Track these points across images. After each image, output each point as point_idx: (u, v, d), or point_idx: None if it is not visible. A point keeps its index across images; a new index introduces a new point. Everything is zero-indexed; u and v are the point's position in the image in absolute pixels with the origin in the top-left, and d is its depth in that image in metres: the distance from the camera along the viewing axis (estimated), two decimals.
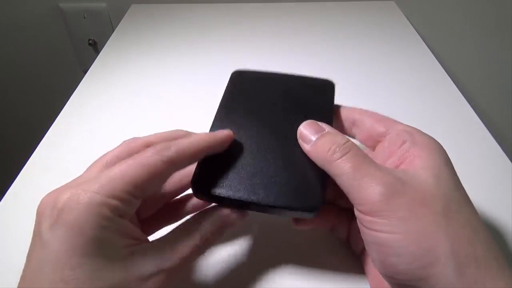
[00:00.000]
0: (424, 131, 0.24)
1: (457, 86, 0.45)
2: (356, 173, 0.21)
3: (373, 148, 0.26)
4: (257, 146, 0.25)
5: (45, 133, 0.39)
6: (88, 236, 0.18)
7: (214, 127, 0.26)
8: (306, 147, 0.24)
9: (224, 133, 0.24)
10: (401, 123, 0.25)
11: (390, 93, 0.45)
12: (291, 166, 0.24)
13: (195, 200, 0.26)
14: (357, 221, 0.21)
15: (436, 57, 0.51)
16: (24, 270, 0.19)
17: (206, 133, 0.24)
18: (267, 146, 0.25)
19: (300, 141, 0.24)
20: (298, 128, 0.24)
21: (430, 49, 0.53)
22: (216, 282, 0.26)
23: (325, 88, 0.29)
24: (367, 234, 0.21)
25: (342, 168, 0.21)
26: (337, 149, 0.22)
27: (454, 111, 0.42)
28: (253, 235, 0.29)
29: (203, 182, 0.23)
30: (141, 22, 0.62)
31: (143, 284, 0.19)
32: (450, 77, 0.47)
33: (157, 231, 0.26)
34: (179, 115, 0.42)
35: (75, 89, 0.46)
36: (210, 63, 0.51)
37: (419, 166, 0.21)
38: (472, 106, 0.42)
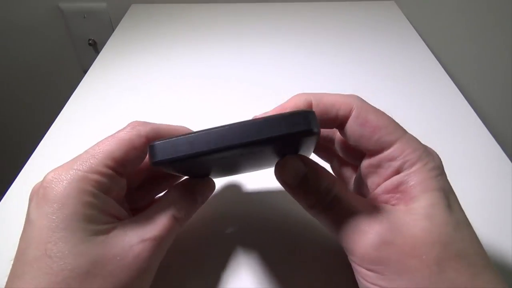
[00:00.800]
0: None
1: (457, 86, 0.45)
2: (342, 226, 0.20)
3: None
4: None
5: (45, 133, 0.39)
6: (69, 210, 0.19)
7: None
8: (287, 188, 0.22)
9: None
10: (396, 138, 0.20)
11: (390, 93, 0.45)
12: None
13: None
14: (353, 268, 0.21)
15: (436, 57, 0.51)
16: (15, 254, 0.19)
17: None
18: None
19: (281, 183, 0.22)
20: (279, 168, 0.21)
21: (430, 49, 0.53)
22: (214, 282, 0.26)
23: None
24: (360, 283, 0.20)
25: (327, 218, 0.21)
26: (319, 198, 0.20)
27: (454, 111, 0.42)
28: (251, 238, 0.29)
29: (161, 148, 0.19)
30: (141, 22, 0.62)
31: (126, 253, 0.19)
32: (450, 77, 0.47)
33: (148, 201, 0.27)
34: (179, 115, 0.42)
35: (75, 89, 0.46)
36: (210, 63, 0.51)
37: (411, 206, 0.19)
38: (472, 106, 0.42)
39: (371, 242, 0.19)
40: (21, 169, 0.35)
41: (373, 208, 0.20)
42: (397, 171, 0.20)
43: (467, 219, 0.20)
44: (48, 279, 0.18)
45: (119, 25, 0.61)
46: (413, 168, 0.20)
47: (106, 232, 0.20)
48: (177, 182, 0.26)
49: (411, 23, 0.60)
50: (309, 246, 0.28)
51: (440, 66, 0.49)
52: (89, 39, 0.71)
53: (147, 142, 0.22)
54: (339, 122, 0.21)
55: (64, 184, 0.19)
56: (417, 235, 0.18)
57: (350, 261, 0.20)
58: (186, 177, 0.25)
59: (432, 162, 0.20)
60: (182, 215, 0.23)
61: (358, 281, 0.20)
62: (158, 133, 0.23)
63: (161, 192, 0.27)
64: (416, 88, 0.46)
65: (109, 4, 0.68)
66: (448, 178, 0.21)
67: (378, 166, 0.21)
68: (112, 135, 0.22)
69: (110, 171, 0.21)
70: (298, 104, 0.22)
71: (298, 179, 0.21)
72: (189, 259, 0.27)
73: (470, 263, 0.18)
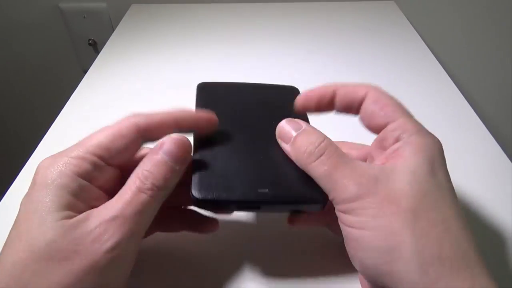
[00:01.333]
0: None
1: (457, 86, 0.45)
2: (331, 175, 0.21)
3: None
4: (244, 149, 0.24)
5: (45, 133, 0.39)
6: (44, 194, 0.20)
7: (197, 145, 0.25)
8: (286, 147, 0.23)
9: (203, 112, 0.25)
10: (402, 115, 0.23)
11: (390, 93, 0.45)
12: (284, 163, 0.24)
13: None
14: (337, 216, 0.22)
15: (436, 57, 0.51)
16: None
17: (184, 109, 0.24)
18: (254, 148, 0.25)
19: (279, 141, 0.24)
20: (277, 128, 0.24)
21: (430, 49, 0.53)
22: (213, 281, 0.26)
23: (292, 94, 0.28)
24: (343, 230, 0.21)
25: (317, 171, 0.21)
26: (313, 151, 0.22)
27: (454, 111, 0.42)
28: (249, 236, 0.29)
29: (203, 190, 0.22)
30: (141, 22, 0.62)
31: (84, 238, 0.19)
32: (450, 77, 0.47)
33: None
34: None
35: (75, 89, 0.46)
36: (210, 63, 0.51)
37: (399, 164, 0.21)
38: (472, 106, 0.42)
39: (355, 190, 0.20)
40: (21, 169, 0.35)
41: (363, 165, 0.21)
42: (397, 140, 0.22)
43: (453, 189, 0.21)
44: (11, 259, 0.19)
45: (119, 25, 0.61)
46: (411, 138, 0.22)
47: (72, 217, 0.19)
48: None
49: (411, 23, 0.60)
50: (305, 246, 0.28)
51: (440, 66, 0.49)
52: (89, 39, 0.71)
53: (137, 131, 0.22)
54: (358, 103, 0.25)
55: (49, 169, 0.20)
56: (398, 187, 0.20)
57: (337, 212, 0.21)
58: None
59: (431, 138, 0.22)
60: (148, 185, 0.20)
61: (340, 227, 0.21)
62: (149, 122, 0.23)
63: None
64: (416, 88, 0.46)
65: (109, 4, 0.68)
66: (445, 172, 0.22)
67: (383, 139, 0.23)
68: (106, 126, 0.23)
69: (94, 158, 0.21)
70: (324, 93, 0.26)
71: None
72: (188, 258, 0.27)
73: (444, 220, 0.19)
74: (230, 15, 0.63)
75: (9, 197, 0.32)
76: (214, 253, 0.28)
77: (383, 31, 0.58)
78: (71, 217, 0.19)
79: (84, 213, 0.20)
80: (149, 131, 0.23)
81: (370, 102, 0.24)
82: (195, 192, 0.22)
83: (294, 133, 0.23)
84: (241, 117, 0.27)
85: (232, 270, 0.27)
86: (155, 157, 0.21)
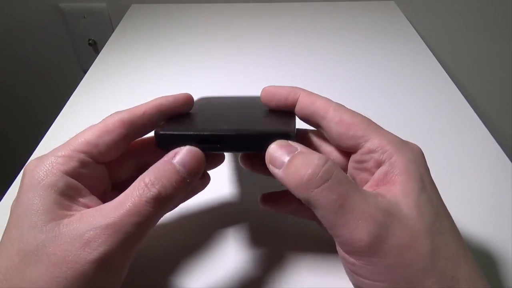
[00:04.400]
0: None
1: (457, 86, 0.45)
2: (342, 208, 0.18)
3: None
4: (217, 113, 0.26)
5: (45, 133, 0.39)
6: (31, 195, 0.19)
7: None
8: (277, 172, 0.20)
9: (179, 94, 0.25)
10: (373, 133, 0.21)
11: (390, 93, 0.45)
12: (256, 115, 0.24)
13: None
14: (339, 257, 0.20)
15: (436, 57, 0.51)
16: None
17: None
18: (226, 113, 0.26)
19: (270, 167, 0.20)
20: (266, 151, 0.21)
21: (430, 49, 0.53)
22: (211, 282, 0.26)
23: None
24: (349, 275, 0.20)
25: (323, 200, 0.18)
26: (316, 173, 0.18)
27: (454, 111, 0.42)
28: (246, 232, 0.29)
29: (165, 128, 0.22)
30: (141, 22, 0.62)
31: (74, 242, 0.18)
32: (450, 77, 0.47)
33: None
34: None
35: (75, 89, 0.46)
36: (210, 63, 0.51)
37: (398, 193, 0.19)
38: (472, 106, 0.42)
39: (371, 231, 0.18)
40: (21, 169, 0.35)
41: (370, 194, 0.19)
42: (379, 163, 0.21)
43: (446, 209, 0.20)
44: (5, 263, 0.18)
45: (119, 25, 0.61)
46: (393, 158, 0.20)
47: (62, 217, 0.19)
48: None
49: (411, 23, 0.60)
50: (301, 244, 0.28)
51: (440, 66, 0.49)
52: (89, 39, 0.71)
53: (123, 125, 0.22)
54: (316, 121, 0.23)
55: (35, 170, 0.20)
56: (411, 225, 0.18)
57: (341, 255, 0.20)
58: None
59: (410, 151, 0.21)
60: (154, 192, 0.19)
61: (348, 275, 0.20)
62: (132, 115, 0.22)
63: None
64: (416, 88, 0.46)
65: (109, 4, 0.68)
66: (448, 178, 0.22)
67: (361, 161, 0.22)
68: (92, 125, 0.22)
69: (81, 155, 0.21)
70: (286, 96, 0.24)
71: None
72: (185, 257, 0.27)
73: (453, 255, 0.18)
74: (230, 15, 0.63)
75: (9, 197, 0.32)
76: (212, 251, 0.28)
77: (383, 31, 0.58)
78: (61, 217, 0.19)
79: (77, 214, 0.19)
80: (134, 124, 0.22)
81: (333, 124, 0.22)
82: (157, 129, 0.22)
83: (287, 157, 0.20)
84: (222, 110, 0.27)
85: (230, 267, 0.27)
86: (167, 164, 0.20)
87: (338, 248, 0.20)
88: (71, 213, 0.19)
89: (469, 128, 0.39)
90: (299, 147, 0.20)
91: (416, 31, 0.58)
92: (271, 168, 0.20)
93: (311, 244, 0.28)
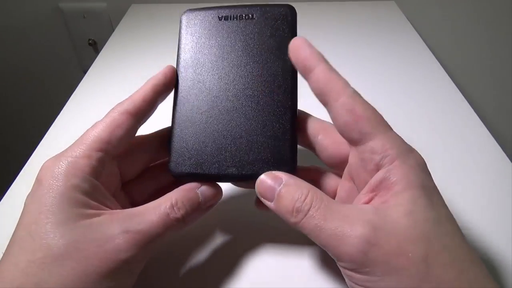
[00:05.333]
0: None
1: (457, 86, 0.45)
2: (324, 230, 0.19)
3: (339, 163, 0.24)
4: (220, 106, 0.25)
5: (45, 133, 0.39)
6: (56, 193, 0.20)
7: (180, 88, 0.26)
8: (270, 205, 0.22)
9: (164, 69, 0.25)
10: (377, 131, 0.21)
11: (389, 93, 0.45)
12: (258, 123, 0.24)
13: None
14: (341, 271, 0.21)
15: (436, 57, 0.51)
16: None
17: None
18: (231, 104, 0.25)
19: (262, 199, 0.22)
20: (256, 183, 0.23)
21: (430, 49, 0.53)
22: (209, 281, 0.26)
23: (285, 16, 0.26)
24: (349, 285, 0.20)
25: (308, 228, 0.20)
26: (299, 208, 0.20)
27: (454, 111, 0.42)
28: (244, 231, 0.29)
29: (178, 165, 0.24)
30: (141, 22, 0.62)
31: (106, 242, 0.19)
32: (450, 77, 0.47)
33: (145, 197, 0.27)
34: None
35: (75, 89, 0.46)
36: None
37: (392, 202, 0.19)
38: (472, 106, 0.42)
39: (356, 245, 0.18)
40: (21, 169, 0.35)
41: (354, 210, 0.20)
42: (378, 167, 0.20)
43: (450, 214, 0.20)
44: (25, 258, 0.18)
45: (119, 25, 0.61)
46: (393, 164, 0.20)
47: (91, 217, 0.20)
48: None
49: (411, 23, 0.60)
50: (299, 243, 0.28)
51: (440, 66, 0.49)
52: (89, 39, 0.71)
53: (130, 117, 0.23)
54: (328, 101, 0.22)
55: (55, 169, 0.20)
56: (400, 233, 0.18)
57: (339, 267, 0.20)
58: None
59: (413, 159, 0.20)
60: (179, 215, 0.21)
61: (347, 283, 0.21)
62: (135, 103, 0.24)
63: (159, 186, 0.27)
64: (416, 88, 0.46)
65: (109, 4, 0.68)
66: (448, 178, 0.21)
67: (361, 159, 0.21)
68: (97, 121, 0.23)
69: (99, 154, 0.22)
70: (309, 66, 0.23)
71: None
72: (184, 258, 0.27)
73: (456, 258, 0.18)
74: None
75: (9, 197, 0.32)
76: (211, 249, 0.28)
77: (383, 31, 0.58)
78: (90, 217, 0.20)
79: (106, 215, 0.20)
80: (140, 113, 0.24)
81: (344, 110, 0.21)
82: (172, 167, 0.24)
83: (277, 188, 0.21)
84: (223, 64, 0.26)
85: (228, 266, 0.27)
86: (193, 194, 0.22)
87: (337, 263, 0.20)
88: (99, 212, 0.20)
89: (469, 128, 0.39)
90: (284, 177, 0.22)
91: (416, 31, 0.58)
92: (263, 201, 0.22)
93: (311, 245, 0.28)
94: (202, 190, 0.23)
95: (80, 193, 0.20)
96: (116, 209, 0.22)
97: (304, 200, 0.20)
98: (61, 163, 0.21)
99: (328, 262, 0.27)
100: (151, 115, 0.25)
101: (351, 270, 0.19)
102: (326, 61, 0.24)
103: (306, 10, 0.65)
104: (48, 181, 0.20)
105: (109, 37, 0.58)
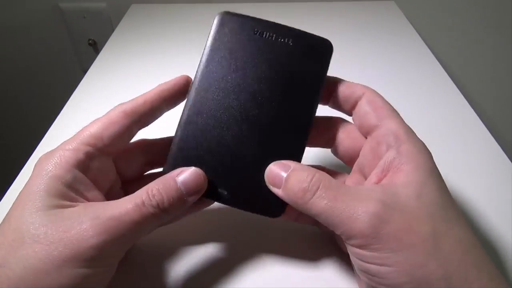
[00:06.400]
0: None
1: (457, 86, 0.45)
2: (334, 209, 0.20)
3: (353, 156, 0.25)
4: (232, 121, 0.24)
5: (45, 133, 0.39)
6: (38, 182, 0.20)
7: (194, 91, 0.25)
8: (278, 192, 0.22)
9: (177, 77, 0.25)
10: (395, 119, 0.23)
11: (389, 93, 0.44)
12: (265, 154, 0.24)
13: None
14: (348, 251, 0.21)
15: (436, 57, 0.51)
16: None
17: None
18: (243, 123, 0.24)
19: (270, 187, 0.23)
20: (265, 173, 0.23)
21: (430, 49, 0.53)
22: (209, 281, 0.26)
23: (321, 50, 0.26)
24: (357, 264, 0.20)
25: (317, 207, 0.20)
26: (307, 188, 0.21)
27: (454, 111, 0.42)
28: (241, 232, 0.29)
29: (171, 168, 0.23)
30: (141, 22, 0.62)
31: (73, 227, 0.19)
32: (450, 77, 0.47)
33: None
34: (178, 115, 0.41)
35: (75, 89, 0.46)
36: None
37: (401, 182, 0.20)
38: (472, 106, 0.42)
39: (368, 222, 0.19)
40: (21, 169, 0.35)
41: (364, 190, 0.21)
42: (389, 146, 0.22)
43: (453, 199, 0.21)
44: (0, 242, 0.19)
45: (119, 25, 0.61)
46: (404, 146, 0.21)
47: (66, 206, 0.20)
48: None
49: (411, 23, 0.60)
50: (298, 243, 0.28)
51: (440, 66, 0.49)
52: (89, 39, 0.71)
53: (126, 116, 0.23)
54: (353, 101, 0.25)
55: (45, 161, 0.21)
56: (410, 212, 0.19)
57: (346, 245, 0.21)
58: None
59: (422, 146, 0.22)
60: (154, 202, 0.20)
61: (354, 263, 0.21)
62: (134, 105, 0.24)
63: None
64: (416, 88, 0.46)
65: (109, 4, 0.68)
66: (448, 178, 0.22)
67: (376, 143, 0.23)
68: (96, 119, 0.23)
69: (88, 148, 0.22)
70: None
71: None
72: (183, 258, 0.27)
73: (461, 240, 0.19)
74: None
75: (9, 197, 0.32)
76: (210, 249, 0.28)
77: (383, 31, 0.58)
78: (64, 207, 0.20)
79: (81, 205, 0.20)
80: (136, 114, 0.24)
81: (365, 102, 0.24)
82: (164, 169, 0.23)
83: (284, 175, 0.22)
84: (247, 79, 0.25)
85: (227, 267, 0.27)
86: (171, 182, 0.21)
87: (345, 243, 0.21)
88: (75, 204, 0.20)
89: (469, 128, 0.39)
90: (292, 164, 0.22)
91: (416, 31, 0.58)
92: (271, 188, 0.23)
93: (311, 246, 0.28)
94: (181, 178, 0.22)
95: (61, 183, 0.20)
96: (96, 198, 0.22)
97: (311, 180, 0.21)
98: (52, 155, 0.21)
99: (327, 262, 0.27)
100: (153, 119, 0.25)
101: (361, 247, 0.19)
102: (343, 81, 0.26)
103: (306, 10, 0.65)
104: (36, 171, 0.21)
105: (109, 37, 0.58)
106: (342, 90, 0.25)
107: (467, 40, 0.72)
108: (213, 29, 0.27)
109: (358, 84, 0.25)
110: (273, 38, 0.26)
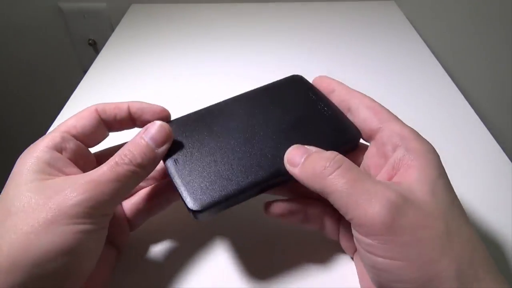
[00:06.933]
0: (421, 132, 0.23)
1: (457, 86, 0.45)
2: (352, 189, 0.19)
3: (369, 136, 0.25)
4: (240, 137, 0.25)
5: (45, 133, 0.39)
6: (23, 163, 0.22)
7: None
8: (294, 170, 0.22)
9: (156, 105, 0.27)
10: (397, 121, 0.23)
11: (390, 93, 0.45)
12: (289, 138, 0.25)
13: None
14: (354, 239, 0.21)
15: (436, 57, 0.51)
16: None
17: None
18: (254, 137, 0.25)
19: (287, 167, 0.23)
20: (285, 155, 0.23)
21: (430, 49, 0.53)
22: (209, 282, 0.26)
23: (297, 84, 0.29)
24: (365, 257, 0.20)
25: (335, 184, 0.20)
26: (328, 164, 0.20)
27: (454, 111, 0.42)
28: (244, 235, 0.29)
29: (196, 196, 0.23)
30: (141, 22, 0.62)
31: (52, 193, 0.20)
32: (450, 77, 0.47)
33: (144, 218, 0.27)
34: (178, 115, 0.41)
35: (75, 89, 0.46)
36: (210, 63, 0.51)
37: (414, 179, 0.20)
38: (472, 106, 0.42)
39: (386, 209, 0.18)
40: None
41: (382, 181, 0.21)
42: (396, 146, 0.22)
43: (457, 198, 0.21)
44: None
45: (119, 25, 0.61)
46: (412, 144, 0.21)
47: (47, 179, 0.21)
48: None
49: (411, 23, 0.60)
50: (300, 245, 0.28)
51: (440, 66, 0.49)
52: (89, 39, 0.71)
53: (96, 112, 0.26)
54: (349, 109, 0.26)
55: (26, 151, 0.23)
56: (425, 208, 0.19)
57: (356, 237, 0.20)
58: None
59: (427, 144, 0.22)
60: (126, 160, 0.22)
61: (363, 257, 0.20)
62: (105, 105, 0.26)
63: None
64: (416, 88, 0.46)
65: (109, 4, 0.68)
66: (448, 178, 0.22)
67: (381, 144, 0.23)
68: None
69: (63, 134, 0.24)
70: (327, 88, 0.28)
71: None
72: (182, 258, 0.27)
73: (470, 239, 0.19)
74: (230, 15, 0.63)
75: None
76: (209, 250, 0.28)
77: (383, 31, 0.58)
78: (44, 179, 0.21)
79: (61, 177, 0.22)
80: (105, 112, 0.26)
81: (364, 107, 0.25)
82: (191, 205, 0.22)
83: (303, 158, 0.22)
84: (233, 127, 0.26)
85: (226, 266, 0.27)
86: (137, 139, 0.23)
87: (354, 232, 0.20)
88: (57, 176, 0.22)
89: (469, 128, 0.39)
90: (314, 149, 0.23)
91: (416, 31, 0.58)
92: (288, 167, 0.23)
93: (312, 248, 0.28)
94: (146, 133, 0.23)
95: (40, 162, 0.22)
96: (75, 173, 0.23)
97: (334, 158, 0.21)
98: (32, 145, 0.23)
99: (325, 264, 0.27)
100: (126, 125, 0.27)
101: (373, 237, 0.19)
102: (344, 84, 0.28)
103: (306, 10, 0.65)
104: (19, 161, 0.23)
105: (109, 37, 0.58)
106: (340, 96, 0.27)
107: (467, 40, 0.72)
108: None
109: (353, 92, 0.27)
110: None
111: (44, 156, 0.22)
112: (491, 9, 0.68)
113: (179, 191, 0.23)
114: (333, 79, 0.28)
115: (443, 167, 0.21)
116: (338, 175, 0.20)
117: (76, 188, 0.20)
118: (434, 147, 0.22)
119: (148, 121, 0.25)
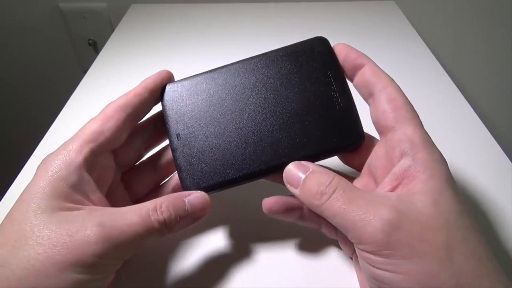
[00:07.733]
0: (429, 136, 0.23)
1: (457, 86, 0.45)
2: (348, 211, 0.20)
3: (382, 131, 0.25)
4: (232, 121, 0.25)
5: (45, 133, 0.39)
6: (42, 184, 0.20)
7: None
8: (295, 192, 0.23)
9: (158, 72, 0.26)
10: (412, 123, 0.22)
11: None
12: (298, 119, 0.24)
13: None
14: (358, 256, 0.21)
15: (436, 57, 0.51)
16: None
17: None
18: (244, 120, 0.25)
19: (288, 186, 0.23)
20: (284, 172, 0.23)
21: (430, 49, 0.53)
22: (209, 282, 0.26)
23: (316, 55, 0.27)
24: (366, 268, 0.20)
25: (332, 209, 0.20)
26: (324, 190, 0.21)
27: (454, 111, 0.42)
28: (245, 234, 0.29)
29: (194, 178, 0.23)
30: (141, 22, 0.62)
31: (78, 232, 0.19)
32: (450, 77, 0.47)
33: (145, 191, 0.27)
34: None
35: (75, 89, 0.46)
36: (210, 63, 0.51)
37: (416, 190, 0.20)
38: (472, 106, 0.42)
39: (380, 227, 0.19)
40: (21, 169, 0.35)
41: (378, 196, 0.20)
42: (404, 155, 0.21)
43: (468, 208, 0.20)
44: (2, 242, 0.19)
45: (119, 25, 0.61)
46: (420, 154, 0.21)
47: (70, 209, 0.20)
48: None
49: (411, 23, 0.60)
50: (300, 245, 0.28)
51: (440, 66, 0.49)
52: (89, 39, 0.71)
53: (120, 110, 0.24)
54: (371, 92, 0.25)
55: (49, 162, 0.21)
56: (424, 220, 0.19)
57: (356, 250, 0.21)
58: None
59: (438, 154, 0.21)
60: (161, 218, 0.21)
61: (364, 269, 0.21)
62: (125, 99, 0.25)
63: (159, 179, 0.28)
64: (416, 88, 0.46)
65: (109, 4, 0.68)
66: (457, 188, 0.21)
67: (389, 148, 0.22)
68: (92, 118, 0.24)
69: (91, 145, 0.22)
70: (354, 64, 0.26)
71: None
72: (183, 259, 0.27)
73: (475, 251, 0.19)
74: (230, 15, 0.63)
75: (9, 197, 0.32)
76: (209, 252, 0.28)
77: (383, 31, 0.58)
78: (69, 209, 0.20)
79: (85, 209, 0.20)
80: (129, 106, 0.24)
81: (385, 99, 0.24)
82: (187, 184, 0.23)
83: (302, 176, 0.22)
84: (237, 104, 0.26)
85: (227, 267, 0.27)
86: (180, 201, 0.22)
87: (355, 247, 0.21)
88: (80, 206, 0.20)
89: (469, 128, 0.39)
90: (311, 166, 0.23)
91: (416, 31, 0.58)
92: (289, 187, 0.23)
93: (312, 248, 0.28)
94: (190, 199, 0.23)
95: (66, 185, 0.21)
96: (101, 205, 0.22)
97: (329, 183, 0.21)
98: (56, 156, 0.22)
99: (330, 267, 0.27)
100: (144, 112, 0.26)
101: (372, 253, 0.19)
102: (373, 61, 0.26)
103: (306, 10, 0.65)
104: (40, 172, 0.21)
105: (109, 37, 0.58)
106: (364, 75, 0.26)
107: (467, 40, 0.72)
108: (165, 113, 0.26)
109: (382, 73, 0.26)
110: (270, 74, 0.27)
111: (71, 178, 0.21)
112: (491, 9, 0.68)
113: (178, 169, 0.23)
114: (362, 53, 0.27)
115: (451, 177, 0.21)
116: (334, 199, 0.21)
117: (99, 232, 0.19)
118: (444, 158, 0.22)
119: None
